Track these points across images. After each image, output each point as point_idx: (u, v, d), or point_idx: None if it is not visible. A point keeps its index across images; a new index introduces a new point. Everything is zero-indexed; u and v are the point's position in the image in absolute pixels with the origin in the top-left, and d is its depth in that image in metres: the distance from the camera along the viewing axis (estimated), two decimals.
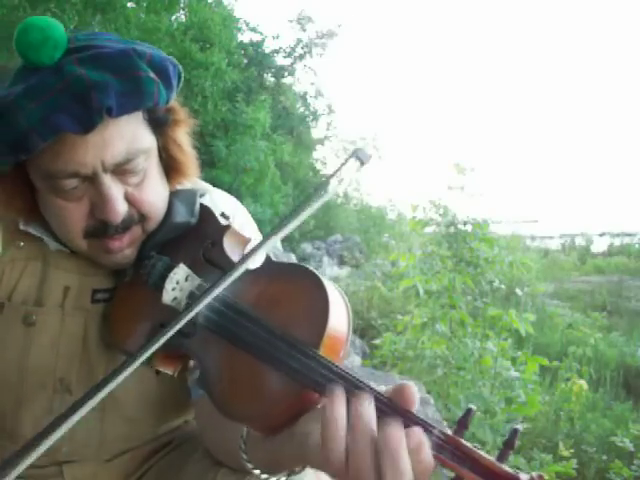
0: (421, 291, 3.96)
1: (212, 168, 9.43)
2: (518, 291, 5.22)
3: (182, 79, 0.90)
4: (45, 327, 0.92)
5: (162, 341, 0.69)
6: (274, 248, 7.72)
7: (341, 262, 9.93)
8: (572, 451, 2.87)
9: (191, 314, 0.71)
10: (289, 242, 10.55)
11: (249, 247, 0.90)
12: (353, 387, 0.64)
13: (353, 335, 5.16)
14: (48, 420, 0.91)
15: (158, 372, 0.80)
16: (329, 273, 8.74)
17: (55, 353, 0.92)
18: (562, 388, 3.68)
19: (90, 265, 0.93)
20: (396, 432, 0.59)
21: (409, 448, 0.59)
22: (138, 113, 0.84)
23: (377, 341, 4.38)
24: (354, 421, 0.60)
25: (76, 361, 0.93)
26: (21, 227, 0.92)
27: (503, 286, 4.30)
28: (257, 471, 0.76)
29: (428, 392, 3.32)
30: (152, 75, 0.81)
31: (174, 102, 0.91)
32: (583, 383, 3.62)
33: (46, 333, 0.92)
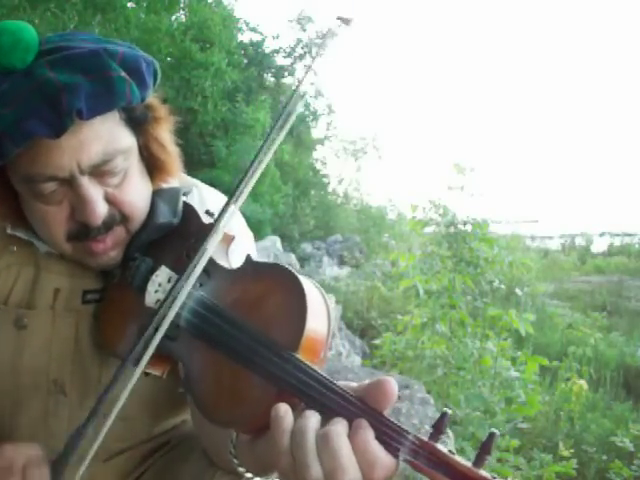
0: (421, 291, 3.96)
1: (212, 168, 9.43)
2: (518, 291, 5.22)
3: (159, 76, 0.88)
4: (37, 329, 0.91)
5: (154, 346, 0.70)
6: (274, 248, 7.72)
7: (341, 262, 9.92)
8: (572, 451, 2.87)
9: (181, 296, 0.71)
10: (289, 242, 10.55)
11: (233, 245, 0.89)
12: (328, 391, 0.64)
13: (353, 335, 5.15)
14: (45, 424, 0.93)
15: (147, 374, 0.80)
16: (329, 273, 8.74)
17: (48, 355, 0.92)
18: (562, 388, 3.68)
19: (80, 266, 0.92)
20: (335, 428, 0.61)
21: (352, 440, 0.60)
22: (114, 113, 0.82)
23: (377, 341, 4.38)
24: (297, 433, 0.62)
25: (69, 362, 0.93)
26: (8, 231, 0.91)
27: (503, 286, 4.31)
28: (249, 475, 0.76)
29: (428, 392, 3.32)
30: (123, 74, 0.79)
31: (154, 99, 0.90)
32: (583, 383, 3.62)
33: (38, 335, 0.91)
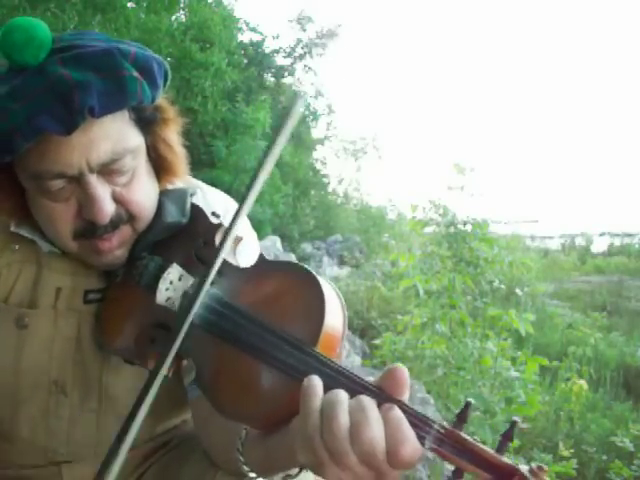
0: (421, 291, 3.96)
1: (212, 168, 9.42)
2: (518, 291, 5.23)
3: (169, 77, 0.89)
4: (38, 329, 0.91)
5: (178, 344, 0.70)
6: (274, 248, 7.72)
7: (341, 262, 9.92)
8: (572, 451, 2.87)
9: (197, 303, 0.72)
10: (289, 242, 10.55)
11: (241, 246, 0.90)
12: (351, 383, 0.65)
13: (353, 335, 5.15)
14: (46, 424, 0.93)
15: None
16: (329, 273, 8.74)
17: (49, 355, 0.92)
18: (562, 388, 3.68)
19: (82, 266, 0.92)
20: (366, 397, 0.62)
21: (385, 417, 0.60)
22: (124, 112, 0.83)
23: (377, 341, 4.38)
24: (330, 396, 0.62)
25: (70, 362, 0.93)
26: (12, 229, 0.91)
27: (503, 286, 4.31)
28: (253, 474, 0.76)
29: (428, 392, 3.33)
30: (135, 74, 0.80)
31: (163, 100, 0.91)
32: (583, 383, 3.62)
33: (39, 335, 0.91)
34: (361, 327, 5.62)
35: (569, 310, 6.61)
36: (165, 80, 0.88)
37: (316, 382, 0.64)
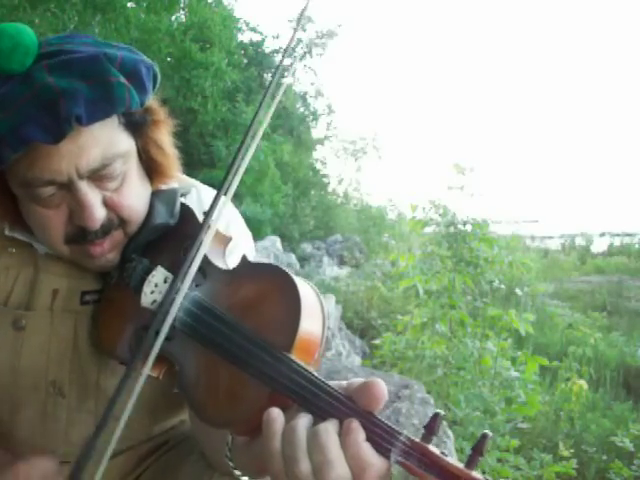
0: (421, 291, 3.96)
1: (212, 168, 9.42)
2: (518, 291, 5.22)
3: (159, 80, 0.88)
4: (35, 330, 0.91)
5: (158, 346, 0.70)
6: (274, 248, 7.72)
7: (341, 262, 9.92)
8: (572, 451, 2.88)
9: (170, 303, 0.72)
10: (289, 242, 10.55)
11: (230, 246, 0.89)
12: (320, 391, 0.64)
13: (353, 335, 5.15)
14: (43, 426, 0.92)
15: None
16: (329, 273, 8.74)
17: (46, 356, 0.92)
18: (562, 388, 3.68)
19: (78, 267, 0.92)
20: (325, 425, 0.61)
21: (343, 442, 0.60)
22: (113, 117, 0.82)
23: (377, 341, 4.38)
24: (287, 431, 0.63)
25: (67, 363, 0.93)
26: (6, 233, 0.91)
27: (503, 286, 4.30)
28: (245, 478, 0.76)
29: (428, 392, 3.32)
30: (123, 80, 0.79)
31: (153, 102, 0.90)
32: (583, 383, 3.62)
33: (36, 336, 0.91)
34: (361, 327, 5.62)
35: (569, 310, 6.61)
36: (154, 83, 0.87)
37: (274, 416, 0.64)
